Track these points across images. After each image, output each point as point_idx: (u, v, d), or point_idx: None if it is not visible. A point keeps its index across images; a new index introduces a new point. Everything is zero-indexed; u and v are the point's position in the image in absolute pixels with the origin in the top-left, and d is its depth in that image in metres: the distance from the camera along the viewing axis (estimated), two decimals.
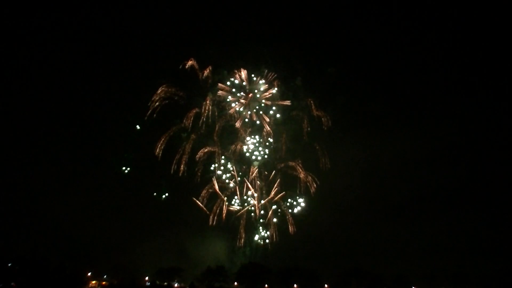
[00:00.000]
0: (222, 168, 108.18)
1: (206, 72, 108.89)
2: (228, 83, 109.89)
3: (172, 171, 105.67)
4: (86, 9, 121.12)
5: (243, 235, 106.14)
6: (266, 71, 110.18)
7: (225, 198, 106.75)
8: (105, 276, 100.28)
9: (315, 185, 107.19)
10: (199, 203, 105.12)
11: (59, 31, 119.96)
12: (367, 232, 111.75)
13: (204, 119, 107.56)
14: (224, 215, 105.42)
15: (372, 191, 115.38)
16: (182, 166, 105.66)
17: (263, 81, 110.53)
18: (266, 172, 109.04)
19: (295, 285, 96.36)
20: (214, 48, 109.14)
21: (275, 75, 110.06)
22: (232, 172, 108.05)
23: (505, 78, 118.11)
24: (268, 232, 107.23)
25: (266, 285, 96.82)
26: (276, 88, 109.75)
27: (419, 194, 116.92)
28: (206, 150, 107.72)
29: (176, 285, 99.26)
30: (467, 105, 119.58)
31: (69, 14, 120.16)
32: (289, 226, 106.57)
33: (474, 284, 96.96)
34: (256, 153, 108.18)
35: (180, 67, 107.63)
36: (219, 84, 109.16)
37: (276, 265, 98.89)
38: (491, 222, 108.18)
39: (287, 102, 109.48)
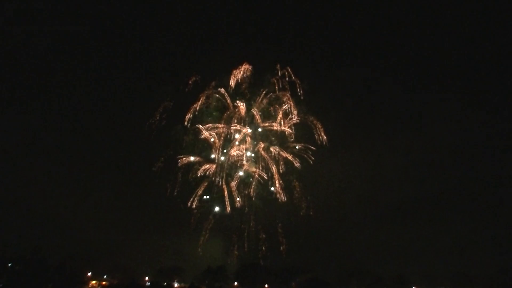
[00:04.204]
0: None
1: (211, 85, 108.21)
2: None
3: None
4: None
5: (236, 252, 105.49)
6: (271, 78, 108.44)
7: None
8: (105, 276, 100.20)
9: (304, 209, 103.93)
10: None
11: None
12: (367, 232, 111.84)
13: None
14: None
15: (372, 191, 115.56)
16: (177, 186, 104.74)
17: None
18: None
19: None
20: (220, 55, 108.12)
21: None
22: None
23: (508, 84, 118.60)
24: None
25: (266, 285, 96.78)
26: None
27: (419, 195, 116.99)
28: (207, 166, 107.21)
29: (176, 285, 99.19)
30: (469, 108, 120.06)
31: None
32: (281, 245, 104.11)
33: (474, 284, 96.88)
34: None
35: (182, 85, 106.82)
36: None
37: (276, 265, 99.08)
38: (491, 222, 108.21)
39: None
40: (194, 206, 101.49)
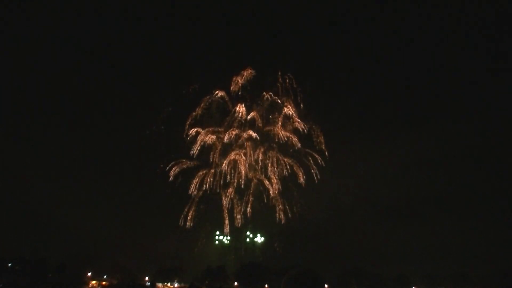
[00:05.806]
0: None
1: (213, 89, 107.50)
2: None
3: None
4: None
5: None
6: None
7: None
8: (105, 276, 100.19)
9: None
10: None
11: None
12: (367, 232, 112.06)
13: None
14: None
15: (372, 192, 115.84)
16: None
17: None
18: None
19: None
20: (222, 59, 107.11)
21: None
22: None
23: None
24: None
25: (266, 285, 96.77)
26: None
27: (419, 195, 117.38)
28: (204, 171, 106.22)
29: (176, 285, 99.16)
30: (469, 110, 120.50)
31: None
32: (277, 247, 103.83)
33: (474, 284, 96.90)
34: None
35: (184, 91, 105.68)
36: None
37: (276, 265, 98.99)
38: (490, 223, 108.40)
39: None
40: (188, 221, 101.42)
